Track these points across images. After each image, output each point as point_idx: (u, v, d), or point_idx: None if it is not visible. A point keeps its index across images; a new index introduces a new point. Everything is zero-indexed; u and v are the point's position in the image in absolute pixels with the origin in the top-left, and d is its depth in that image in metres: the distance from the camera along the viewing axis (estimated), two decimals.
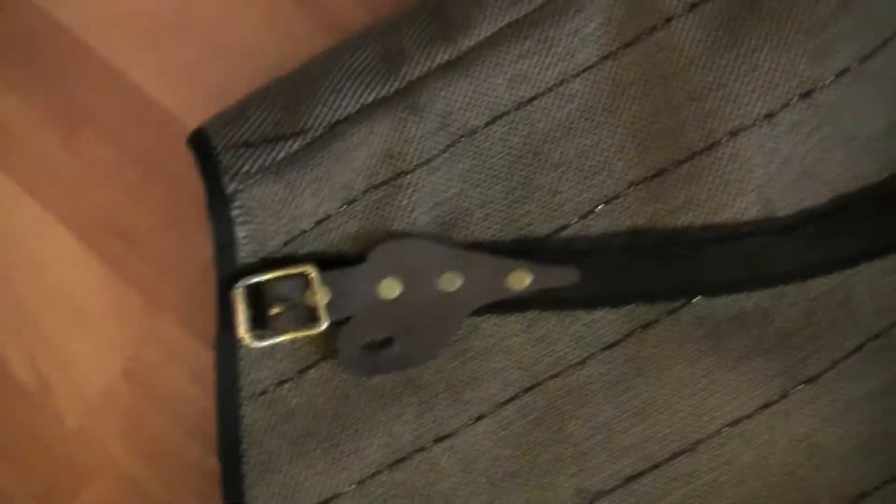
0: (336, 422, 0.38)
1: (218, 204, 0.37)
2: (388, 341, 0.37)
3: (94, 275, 0.41)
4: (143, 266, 0.41)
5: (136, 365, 0.41)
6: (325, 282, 0.36)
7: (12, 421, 0.41)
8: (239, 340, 0.37)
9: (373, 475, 0.38)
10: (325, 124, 0.37)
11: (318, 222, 0.37)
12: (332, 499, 0.38)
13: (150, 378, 0.40)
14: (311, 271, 0.36)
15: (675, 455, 0.37)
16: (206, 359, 0.40)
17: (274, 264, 0.37)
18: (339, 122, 0.37)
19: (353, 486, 0.38)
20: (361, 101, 0.37)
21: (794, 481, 0.37)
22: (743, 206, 0.36)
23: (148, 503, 0.40)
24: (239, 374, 0.37)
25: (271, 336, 0.36)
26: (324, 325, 0.36)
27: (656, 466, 0.37)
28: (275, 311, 0.36)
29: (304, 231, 0.37)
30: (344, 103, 0.37)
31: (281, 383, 0.38)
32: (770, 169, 0.36)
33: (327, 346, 0.37)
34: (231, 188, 0.37)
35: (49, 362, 0.41)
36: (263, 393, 0.38)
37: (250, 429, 0.38)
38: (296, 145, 0.37)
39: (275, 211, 0.37)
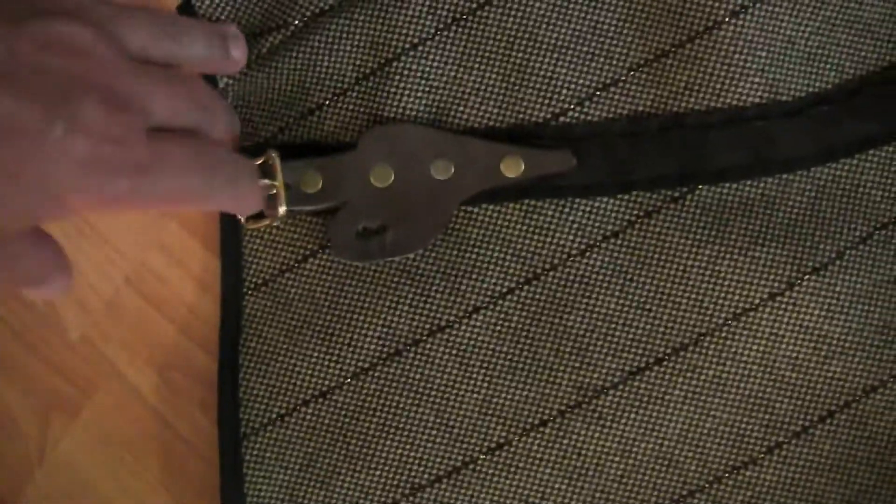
0: (333, 312, 0.37)
1: None
2: (381, 229, 0.36)
3: None
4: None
5: (140, 273, 0.40)
6: (317, 168, 0.36)
7: (14, 332, 0.40)
8: (242, 234, 0.37)
9: (368, 368, 0.36)
10: (307, 16, 0.36)
11: (310, 112, 0.37)
12: (327, 392, 0.37)
13: (155, 286, 0.39)
14: (274, 157, 0.36)
15: (679, 349, 0.36)
16: (211, 265, 0.39)
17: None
18: (320, 13, 0.36)
19: (349, 380, 0.37)
20: None
21: (799, 376, 0.36)
22: (747, 89, 0.35)
23: (152, 414, 0.39)
24: (243, 266, 0.37)
25: (262, 219, 0.36)
26: (281, 210, 0.36)
27: (659, 361, 0.36)
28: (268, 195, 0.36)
29: (296, 120, 0.37)
30: None
31: (282, 272, 0.37)
32: (774, 50, 0.35)
33: (326, 237, 0.37)
34: (223, 82, 0.37)
35: None
36: (265, 283, 0.37)
37: (251, 318, 0.37)
38: (279, 38, 0.37)
39: (265, 100, 0.37)
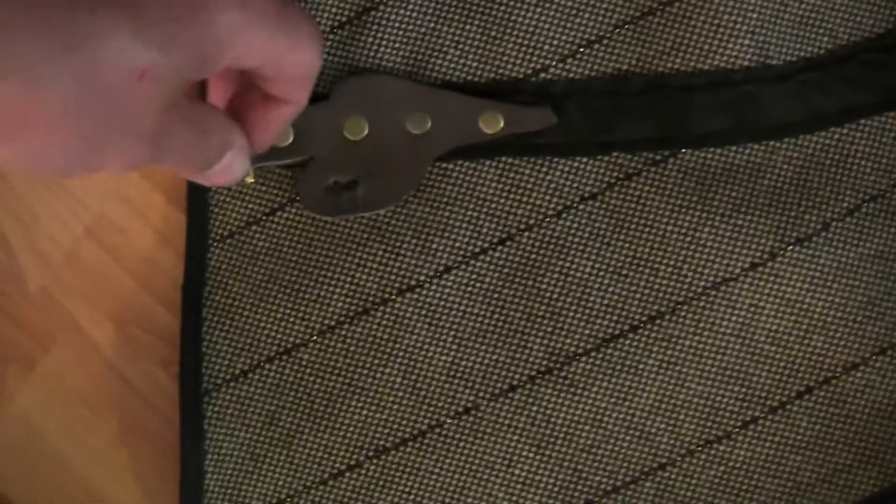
0: (300, 268, 0.35)
1: None
2: (352, 183, 0.35)
3: None
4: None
5: (101, 224, 0.38)
6: None
7: None
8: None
9: (334, 326, 0.35)
10: None
11: None
12: (291, 349, 0.36)
13: (116, 238, 0.38)
14: None
15: (654, 317, 0.35)
16: (173, 218, 0.38)
17: None
18: None
19: (315, 337, 0.35)
20: None
21: (778, 350, 0.35)
22: (735, 51, 0.34)
23: (110, 369, 0.38)
24: (209, 216, 0.36)
25: None
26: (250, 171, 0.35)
27: (634, 329, 0.35)
28: None
29: None
30: None
31: (248, 225, 0.36)
32: (765, 12, 0.34)
33: (295, 190, 0.35)
34: None
35: (10, 222, 0.39)
36: (231, 235, 0.36)
37: (216, 270, 0.36)
38: None
39: None
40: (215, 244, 0.36)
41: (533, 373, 0.35)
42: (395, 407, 0.35)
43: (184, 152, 0.27)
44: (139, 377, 0.38)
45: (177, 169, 0.28)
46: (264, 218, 0.36)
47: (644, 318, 0.35)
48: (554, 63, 0.35)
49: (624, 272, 0.35)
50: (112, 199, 0.38)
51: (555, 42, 0.35)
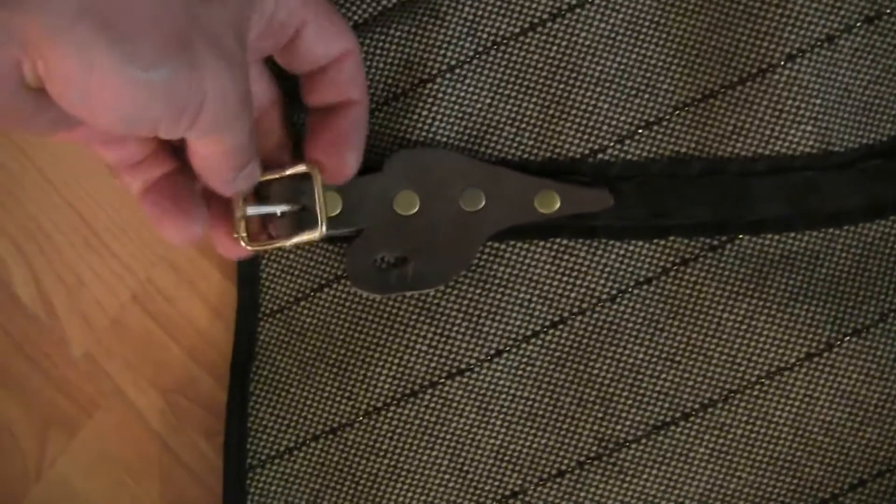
0: (347, 346, 0.35)
1: None
2: (402, 260, 0.34)
3: (107, 192, 0.38)
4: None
5: (147, 290, 0.38)
6: (337, 190, 0.33)
7: (15, 346, 0.39)
8: (260, 257, 0.35)
9: (381, 407, 0.35)
10: None
11: None
12: (337, 429, 0.35)
13: (162, 305, 0.38)
14: (314, 170, 0.33)
15: (707, 405, 0.34)
16: (220, 286, 0.37)
17: None
18: (354, 26, 0.34)
19: (361, 418, 0.35)
20: (382, 3, 0.34)
21: (832, 441, 0.34)
22: (797, 137, 0.34)
23: (153, 437, 0.38)
24: (259, 290, 0.36)
25: (267, 241, 0.33)
26: (322, 230, 0.33)
27: (686, 417, 0.34)
28: (278, 213, 0.33)
29: None
30: (363, 6, 0.34)
31: (297, 300, 0.36)
32: (828, 98, 0.33)
33: (344, 265, 0.35)
34: None
35: (56, 285, 0.38)
36: (280, 310, 0.36)
37: (265, 345, 0.36)
38: None
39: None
40: (264, 318, 0.36)
41: (582, 458, 0.35)
42: (441, 490, 0.35)
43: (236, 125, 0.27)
44: (183, 447, 0.37)
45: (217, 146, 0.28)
46: (312, 294, 0.35)
47: (696, 406, 0.34)
48: (612, 144, 0.34)
49: (677, 359, 0.34)
50: (159, 266, 0.38)
51: (613, 123, 0.34)
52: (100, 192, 0.38)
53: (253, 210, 0.32)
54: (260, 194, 0.33)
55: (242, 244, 0.33)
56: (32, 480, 0.38)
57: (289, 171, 0.33)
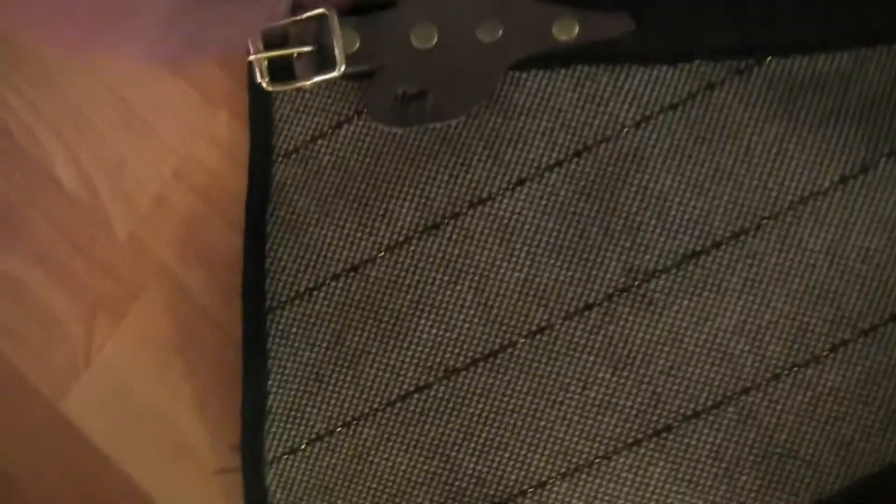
0: (367, 181, 0.34)
1: None
2: (421, 93, 0.34)
3: (147, 70, 0.37)
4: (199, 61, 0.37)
5: (189, 166, 0.37)
6: (354, 27, 0.33)
7: (58, 231, 0.38)
8: (271, 95, 0.34)
9: (403, 241, 0.34)
10: None
11: None
12: (358, 266, 0.34)
13: (204, 179, 0.37)
14: (331, 11, 0.33)
15: (738, 233, 0.33)
16: None
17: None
18: None
19: (382, 253, 0.34)
20: None
21: (870, 269, 0.33)
22: None
23: (202, 313, 0.37)
24: (273, 132, 0.35)
25: (290, 81, 0.33)
26: (340, 69, 0.33)
27: (716, 245, 0.33)
28: (297, 55, 0.33)
29: None
30: None
31: (314, 139, 0.35)
32: None
33: (362, 102, 0.34)
34: None
35: (97, 166, 0.38)
36: (296, 150, 0.35)
37: (280, 186, 0.35)
38: None
39: None
40: (280, 159, 0.35)
41: (610, 291, 0.34)
42: (466, 326, 0.34)
43: None
44: (233, 323, 0.36)
45: None
46: (330, 132, 0.35)
47: (727, 235, 0.33)
48: None
49: (706, 186, 0.33)
50: (200, 139, 0.37)
51: None
52: (137, 72, 0.38)
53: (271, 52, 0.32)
54: (277, 37, 0.33)
55: (263, 85, 0.33)
56: (81, 367, 0.38)
57: (305, 15, 0.32)
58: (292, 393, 0.35)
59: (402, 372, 0.34)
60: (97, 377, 0.38)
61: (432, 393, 0.34)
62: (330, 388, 0.35)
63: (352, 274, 0.35)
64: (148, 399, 0.38)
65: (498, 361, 0.34)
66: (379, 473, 0.35)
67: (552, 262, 0.34)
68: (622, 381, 0.34)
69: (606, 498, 0.34)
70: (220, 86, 0.37)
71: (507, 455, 0.34)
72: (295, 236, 0.35)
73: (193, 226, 0.37)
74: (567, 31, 0.33)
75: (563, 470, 0.34)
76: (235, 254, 0.36)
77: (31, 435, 0.38)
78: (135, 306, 0.37)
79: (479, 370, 0.34)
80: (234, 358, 0.37)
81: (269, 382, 0.35)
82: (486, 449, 0.34)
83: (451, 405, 0.34)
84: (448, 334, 0.34)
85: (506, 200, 0.34)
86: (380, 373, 0.34)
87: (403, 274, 0.34)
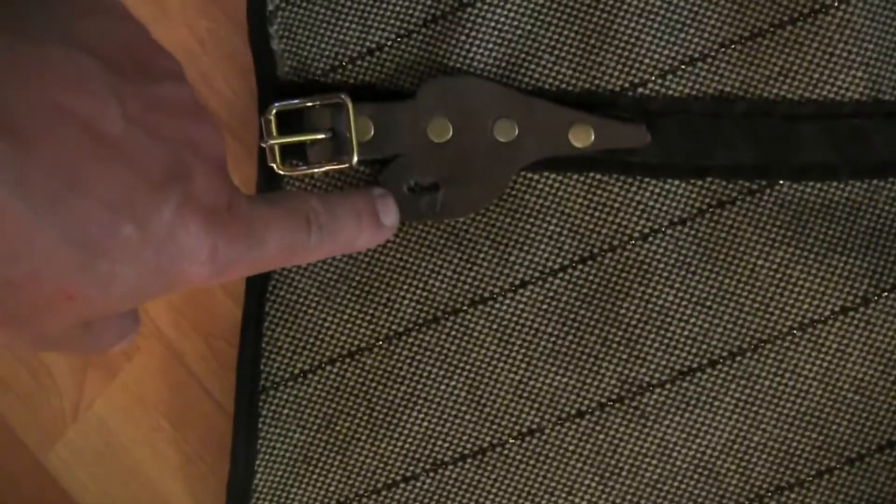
0: (371, 268, 0.34)
1: (258, 19, 0.34)
2: (433, 187, 0.33)
3: None
4: None
5: None
6: (369, 115, 0.33)
7: None
8: (281, 181, 0.34)
9: (402, 333, 0.34)
10: None
11: (369, 52, 0.34)
12: (355, 352, 0.34)
13: None
14: (346, 100, 0.33)
15: (735, 354, 0.33)
16: None
17: (320, 90, 0.34)
18: None
19: (381, 342, 0.34)
20: None
21: (862, 399, 0.33)
22: (847, 83, 0.32)
23: (194, 380, 0.37)
24: None
25: (303, 167, 0.33)
26: (354, 159, 0.33)
27: (712, 364, 0.34)
28: (310, 140, 0.33)
29: (352, 59, 0.34)
30: None
31: None
32: (882, 44, 0.32)
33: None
34: (273, 5, 0.34)
35: None
36: None
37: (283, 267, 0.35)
38: None
39: (316, 32, 0.34)
40: None
41: (603, 400, 0.34)
42: (457, 421, 0.34)
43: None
44: (223, 393, 0.37)
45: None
46: None
47: (724, 354, 0.33)
48: (653, 78, 0.33)
49: (707, 304, 0.33)
50: None
51: (656, 56, 0.33)
52: None
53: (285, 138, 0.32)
54: (292, 122, 0.33)
55: (275, 168, 0.33)
56: (69, 420, 0.38)
57: (318, 101, 0.33)
58: (280, 473, 0.35)
59: (391, 461, 0.34)
60: (84, 433, 0.38)
61: (418, 484, 0.34)
62: (317, 471, 0.35)
63: (348, 360, 0.35)
64: (132, 460, 0.37)
65: (486, 459, 0.34)
66: None
67: (548, 366, 0.34)
68: (608, 490, 0.34)
69: None
70: (229, 155, 0.37)
71: None
72: (294, 317, 0.35)
73: (193, 293, 0.37)
74: (583, 138, 0.33)
75: None
76: (232, 326, 0.36)
77: (12, 486, 0.38)
78: (127, 366, 0.37)
79: (467, 466, 0.34)
80: (222, 427, 0.36)
81: (258, 462, 0.35)
82: None
83: (435, 498, 0.34)
84: (439, 428, 0.34)
85: (507, 301, 0.34)
86: (368, 460, 0.34)
87: (399, 365, 0.34)
